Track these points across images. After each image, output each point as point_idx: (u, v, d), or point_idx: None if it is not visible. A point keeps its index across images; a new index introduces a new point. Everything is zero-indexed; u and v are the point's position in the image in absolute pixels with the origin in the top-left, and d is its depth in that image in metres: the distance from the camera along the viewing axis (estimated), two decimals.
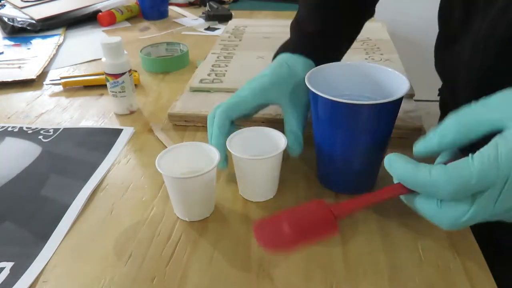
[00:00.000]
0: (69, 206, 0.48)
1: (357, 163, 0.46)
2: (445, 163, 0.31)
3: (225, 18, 1.11)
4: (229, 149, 0.45)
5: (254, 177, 0.46)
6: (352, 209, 0.36)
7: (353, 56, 0.77)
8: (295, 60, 0.52)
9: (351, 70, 0.49)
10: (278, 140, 0.48)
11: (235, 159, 0.46)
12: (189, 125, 0.63)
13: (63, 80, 0.76)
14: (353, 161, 0.45)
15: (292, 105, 0.50)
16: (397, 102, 0.42)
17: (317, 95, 0.42)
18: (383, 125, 0.43)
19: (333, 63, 0.49)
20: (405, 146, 0.51)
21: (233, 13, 1.14)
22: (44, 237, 0.44)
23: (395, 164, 0.34)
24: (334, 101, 0.41)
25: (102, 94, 0.74)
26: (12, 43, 0.99)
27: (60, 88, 0.76)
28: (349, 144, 0.44)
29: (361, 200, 0.36)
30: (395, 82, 0.45)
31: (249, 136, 0.49)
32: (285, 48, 0.55)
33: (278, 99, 0.50)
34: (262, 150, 0.48)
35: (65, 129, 0.63)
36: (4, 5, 1.18)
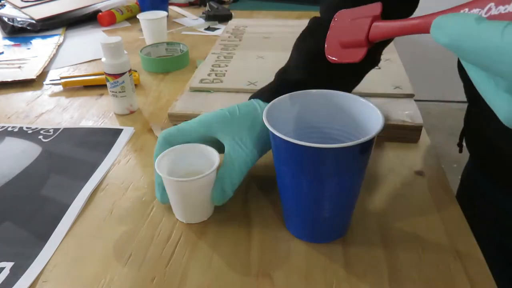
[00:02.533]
0: (69, 206, 0.48)
1: (324, 210, 0.40)
2: None
3: (225, 18, 1.11)
4: (156, 169, 0.42)
5: (184, 198, 0.44)
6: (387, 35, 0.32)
7: None
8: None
9: (320, 99, 0.43)
10: (212, 158, 0.44)
11: (164, 180, 0.44)
12: None
13: (63, 80, 0.76)
14: (318, 208, 0.40)
15: (235, 150, 0.44)
16: (368, 143, 0.36)
17: (275, 135, 0.36)
18: (353, 167, 0.38)
19: (301, 91, 0.43)
20: (405, 146, 0.52)
21: (233, 13, 1.14)
22: (44, 237, 0.44)
23: (448, 20, 0.24)
24: (294, 144, 0.35)
25: (102, 94, 0.74)
26: (12, 43, 0.99)
27: (60, 88, 0.77)
28: (314, 190, 0.39)
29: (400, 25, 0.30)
30: (368, 114, 0.40)
31: (180, 154, 0.46)
32: (261, 93, 0.49)
33: (223, 135, 0.45)
34: (196, 168, 0.45)
35: (65, 129, 0.63)
36: (4, 5, 1.18)
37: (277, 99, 0.42)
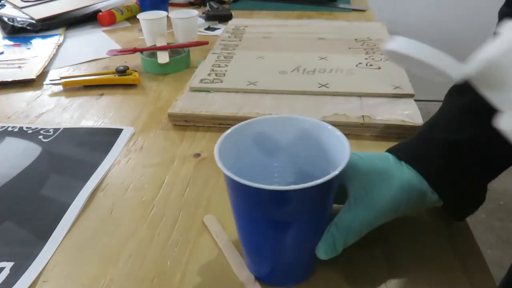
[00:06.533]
0: (69, 206, 0.48)
1: (286, 255, 0.36)
2: None
3: (225, 18, 1.11)
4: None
5: None
6: None
7: (353, 56, 0.78)
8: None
9: (285, 124, 0.39)
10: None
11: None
12: (189, 125, 0.63)
13: (63, 80, 0.76)
14: (279, 252, 0.36)
15: (362, 204, 0.36)
16: (329, 182, 0.31)
17: (224, 173, 0.32)
18: (315, 208, 0.34)
19: (265, 117, 0.39)
20: None
21: (233, 13, 1.14)
22: (44, 237, 0.44)
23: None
24: (244, 185, 0.31)
25: (102, 94, 0.74)
26: (12, 43, 0.99)
27: (60, 88, 0.76)
28: (271, 232, 0.35)
29: None
30: (334, 142, 0.37)
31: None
32: (400, 150, 0.42)
33: (351, 181, 0.38)
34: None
35: (65, 129, 0.63)
36: (4, 5, 1.18)
37: (237, 126, 0.38)
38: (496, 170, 0.41)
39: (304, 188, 0.30)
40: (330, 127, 0.38)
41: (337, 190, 0.37)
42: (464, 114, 0.40)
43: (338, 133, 0.36)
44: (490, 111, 0.35)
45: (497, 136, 0.36)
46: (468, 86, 0.38)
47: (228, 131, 0.37)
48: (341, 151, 0.35)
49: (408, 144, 0.42)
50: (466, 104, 0.41)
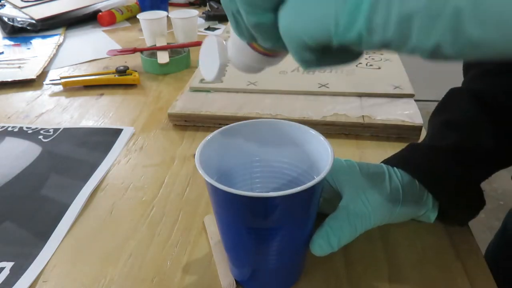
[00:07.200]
0: (69, 206, 0.48)
1: (269, 262, 0.35)
2: None
3: (225, 18, 1.11)
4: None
5: None
6: None
7: None
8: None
9: (269, 128, 0.38)
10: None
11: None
12: (189, 125, 0.63)
13: (63, 80, 0.76)
14: (261, 259, 0.35)
15: (356, 204, 0.37)
16: (312, 189, 0.30)
17: (206, 180, 0.31)
18: (297, 215, 0.32)
19: (248, 121, 0.38)
20: (404, 146, 0.51)
21: None
22: (44, 237, 0.44)
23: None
24: (221, 190, 0.30)
25: (102, 94, 0.74)
26: (12, 43, 0.99)
27: (60, 88, 0.77)
28: (252, 239, 0.33)
29: None
30: (317, 146, 0.35)
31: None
32: (391, 159, 0.44)
33: (345, 184, 0.39)
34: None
35: (65, 129, 0.63)
36: (4, 5, 1.18)
37: (219, 130, 0.37)
38: (485, 172, 0.43)
39: (284, 195, 0.29)
40: (313, 131, 0.36)
41: (328, 196, 0.38)
42: (446, 127, 0.45)
43: (322, 138, 0.35)
44: (470, 122, 0.42)
45: (479, 142, 0.42)
46: (447, 106, 0.47)
47: (210, 136, 0.36)
48: (325, 156, 0.34)
49: (398, 154, 0.45)
50: (447, 119, 0.45)
